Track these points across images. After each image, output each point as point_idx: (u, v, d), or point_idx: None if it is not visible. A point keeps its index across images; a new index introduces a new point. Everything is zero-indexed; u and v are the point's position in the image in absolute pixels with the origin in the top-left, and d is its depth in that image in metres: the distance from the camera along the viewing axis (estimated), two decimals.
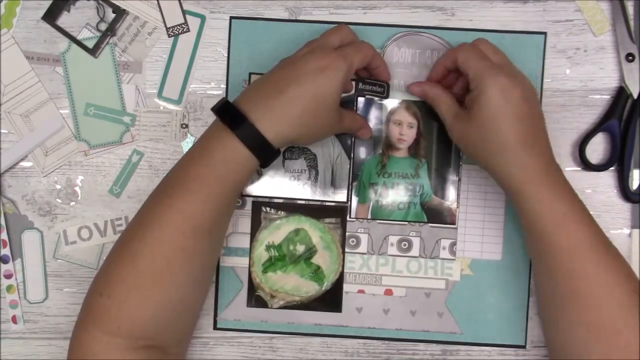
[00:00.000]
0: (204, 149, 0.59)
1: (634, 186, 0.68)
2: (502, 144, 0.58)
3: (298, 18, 0.69)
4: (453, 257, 0.69)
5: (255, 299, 0.69)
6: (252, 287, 0.69)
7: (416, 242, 0.69)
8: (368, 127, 0.68)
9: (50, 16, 0.69)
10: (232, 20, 0.69)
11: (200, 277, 0.61)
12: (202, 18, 0.69)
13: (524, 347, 0.68)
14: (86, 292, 0.59)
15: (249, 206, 0.69)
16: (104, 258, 0.69)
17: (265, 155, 0.59)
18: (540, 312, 0.65)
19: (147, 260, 0.57)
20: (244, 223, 0.69)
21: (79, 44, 0.69)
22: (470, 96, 0.60)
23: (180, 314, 0.59)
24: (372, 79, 0.68)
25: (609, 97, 0.68)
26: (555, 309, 0.60)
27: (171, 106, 0.69)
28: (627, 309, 0.56)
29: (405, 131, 0.68)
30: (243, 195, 0.69)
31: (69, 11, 0.69)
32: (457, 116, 0.62)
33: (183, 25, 0.69)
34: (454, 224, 0.69)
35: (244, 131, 0.57)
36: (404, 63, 0.69)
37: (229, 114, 0.58)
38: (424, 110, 0.68)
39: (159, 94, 0.69)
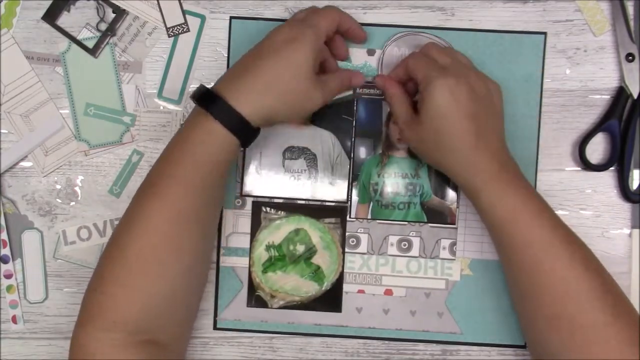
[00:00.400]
0: (183, 135, 0.59)
1: (634, 186, 0.68)
2: (451, 142, 0.59)
3: None
4: (453, 257, 0.69)
5: (255, 299, 0.69)
6: (252, 287, 0.69)
7: (416, 242, 0.69)
8: (357, 73, 0.67)
9: (50, 16, 0.69)
10: (232, 20, 0.69)
11: (190, 267, 0.60)
12: (202, 18, 0.69)
13: (523, 347, 0.68)
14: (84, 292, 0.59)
15: (249, 206, 0.69)
16: None
17: (244, 133, 0.59)
18: (512, 302, 0.66)
19: (134, 251, 0.57)
20: (244, 223, 0.69)
21: (79, 44, 0.69)
22: (419, 98, 0.61)
23: (173, 305, 0.59)
24: (370, 82, 0.68)
25: (609, 97, 0.68)
26: (518, 302, 0.61)
27: (171, 106, 0.69)
28: (586, 303, 0.56)
29: None
30: (243, 195, 0.69)
31: (69, 11, 0.69)
32: (410, 120, 0.63)
33: (183, 25, 0.69)
34: (454, 224, 0.69)
35: (219, 110, 0.57)
36: None
37: (205, 98, 0.59)
38: None
39: (159, 94, 0.69)
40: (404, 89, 0.65)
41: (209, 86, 0.60)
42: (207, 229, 0.63)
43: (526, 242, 0.58)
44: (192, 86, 0.69)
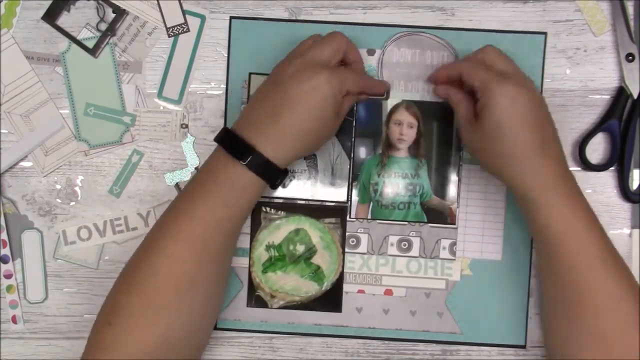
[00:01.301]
0: (210, 177, 0.59)
1: (634, 186, 0.68)
2: (510, 151, 0.58)
3: (298, 18, 0.69)
4: (453, 257, 0.69)
5: (255, 299, 0.69)
6: (252, 287, 0.69)
7: (416, 242, 0.69)
8: (378, 84, 0.67)
9: (50, 16, 0.69)
10: (232, 20, 0.69)
11: (208, 300, 0.60)
12: (202, 18, 0.69)
13: (523, 347, 0.68)
14: (94, 322, 0.59)
15: None
16: (104, 258, 0.69)
17: (275, 177, 0.60)
18: (543, 319, 0.65)
19: (155, 286, 0.57)
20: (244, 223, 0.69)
21: (79, 44, 0.69)
22: (479, 105, 0.59)
23: (188, 336, 0.59)
24: None
25: (609, 97, 0.68)
26: (560, 317, 0.60)
27: (171, 106, 0.69)
28: (632, 322, 0.56)
29: (405, 131, 0.68)
30: None
31: (69, 11, 0.69)
32: (470, 125, 0.61)
33: (183, 25, 0.69)
34: (454, 224, 0.69)
35: (253, 160, 0.58)
36: (404, 63, 0.69)
37: (232, 142, 0.59)
38: (424, 110, 0.68)
39: (159, 94, 0.69)
40: (466, 93, 0.63)
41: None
42: (226, 265, 0.63)
43: (580, 257, 0.57)
44: (192, 86, 0.69)
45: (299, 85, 0.59)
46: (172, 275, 0.57)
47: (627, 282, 0.58)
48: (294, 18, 0.69)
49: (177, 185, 0.69)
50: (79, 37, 0.69)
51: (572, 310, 0.58)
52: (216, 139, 0.60)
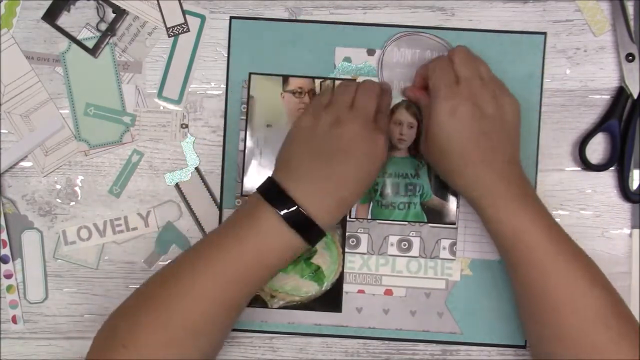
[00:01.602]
0: (250, 228, 0.58)
1: (634, 186, 0.68)
2: (453, 161, 0.59)
3: (298, 18, 0.69)
4: (453, 257, 0.69)
5: (255, 299, 0.69)
6: None
7: (416, 242, 0.69)
8: (387, 90, 0.66)
9: (50, 16, 0.69)
10: (232, 20, 0.69)
11: (220, 339, 0.61)
12: (202, 18, 0.69)
13: (523, 347, 0.68)
14: (102, 329, 0.59)
15: None
16: (104, 258, 0.69)
17: (316, 237, 0.59)
18: (520, 320, 0.65)
19: (177, 326, 0.56)
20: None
21: (79, 44, 0.69)
22: (427, 110, 0.61)
23: None
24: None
25: (609, 97, 0.68)
26: (525, 321, 0.61)
27: (171, 106, 0.69)
28: (591, 324, 0.56)
29: (406, 131, 0.68)
30: (243, 195, 0.69)
31: (69, 11, 0.69)
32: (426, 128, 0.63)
33: (183, 25, 0.69)
34: (454, 224, 0.69)
35: (301, 225, 0.57)
36: (404, 63, 0.69)
37: (277, 195, 0.58)
38: None
39: (159, 94, 0.69)
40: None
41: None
42: (242, 309, 0.62)
43: (531, 262, 0.57)
44: (192, 86, 0.69)
45: (353, 148, 0.58)
46: (195, 313, 0.57)
47: (588, 278, 0.57)
48: (294, 18, 0.69)
49: (177, 185, 0.69)
50: (79, 37, 0.69)
51: (536, 310, 0.58)
52: (262, 191, 0.59)
